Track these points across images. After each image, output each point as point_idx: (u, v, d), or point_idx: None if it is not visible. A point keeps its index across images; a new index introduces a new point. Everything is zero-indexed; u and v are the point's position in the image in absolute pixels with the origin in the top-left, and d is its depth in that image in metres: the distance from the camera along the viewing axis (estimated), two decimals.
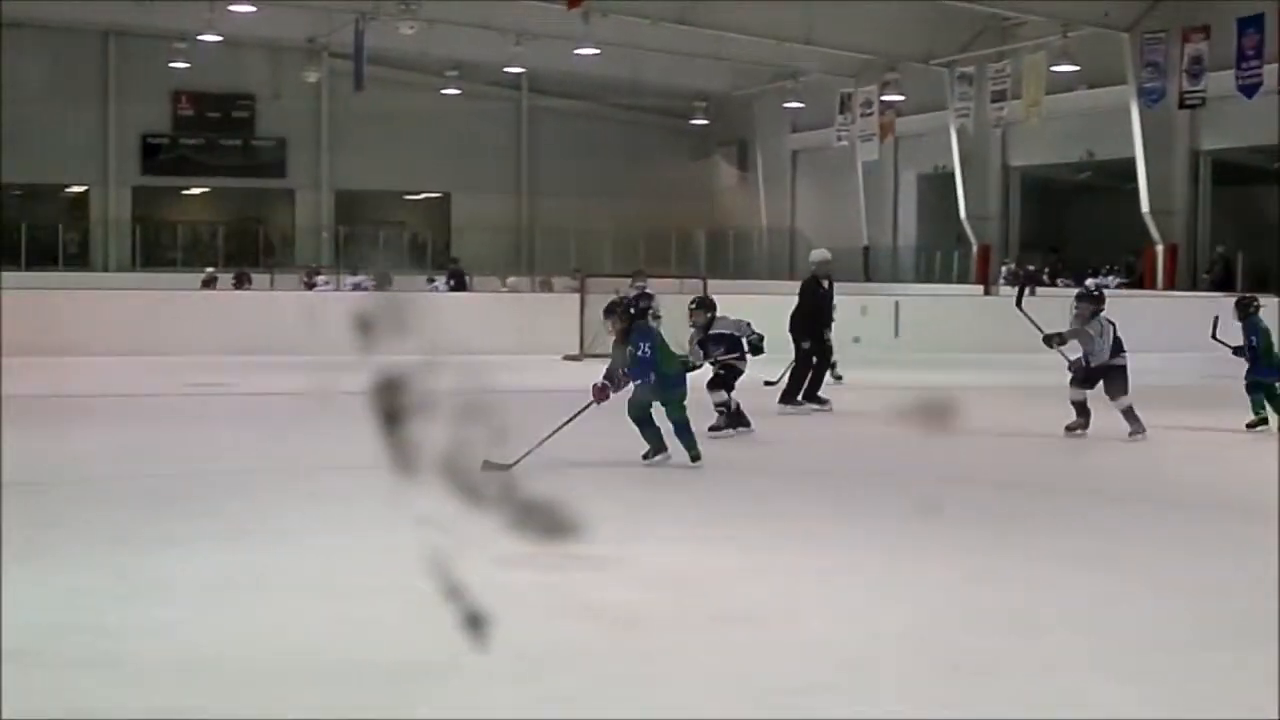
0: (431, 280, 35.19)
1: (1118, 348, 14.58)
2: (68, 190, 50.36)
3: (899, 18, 39.88)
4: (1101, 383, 14.56)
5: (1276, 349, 15.51)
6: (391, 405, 2.64)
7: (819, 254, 18.77)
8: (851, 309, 23.88)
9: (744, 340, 14.53)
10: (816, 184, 49.53)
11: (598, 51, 39.98)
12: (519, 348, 24.13)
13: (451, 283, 33.70)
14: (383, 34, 40.48)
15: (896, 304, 24.83)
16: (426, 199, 53.50)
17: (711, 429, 14.07)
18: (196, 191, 51.91)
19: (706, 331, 14.51)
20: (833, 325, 17.86)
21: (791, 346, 17.59)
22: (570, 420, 12.23)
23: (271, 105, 49.72)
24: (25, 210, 49.16)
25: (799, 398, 17.13)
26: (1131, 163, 35.88)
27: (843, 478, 12.30)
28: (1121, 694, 6.13)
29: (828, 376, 19.81)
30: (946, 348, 24.57)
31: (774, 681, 6.21)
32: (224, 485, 11.20)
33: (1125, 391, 14.45)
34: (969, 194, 41.97)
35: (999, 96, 38.94)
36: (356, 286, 31.91)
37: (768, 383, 20.07)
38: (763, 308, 24.52)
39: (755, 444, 14.58)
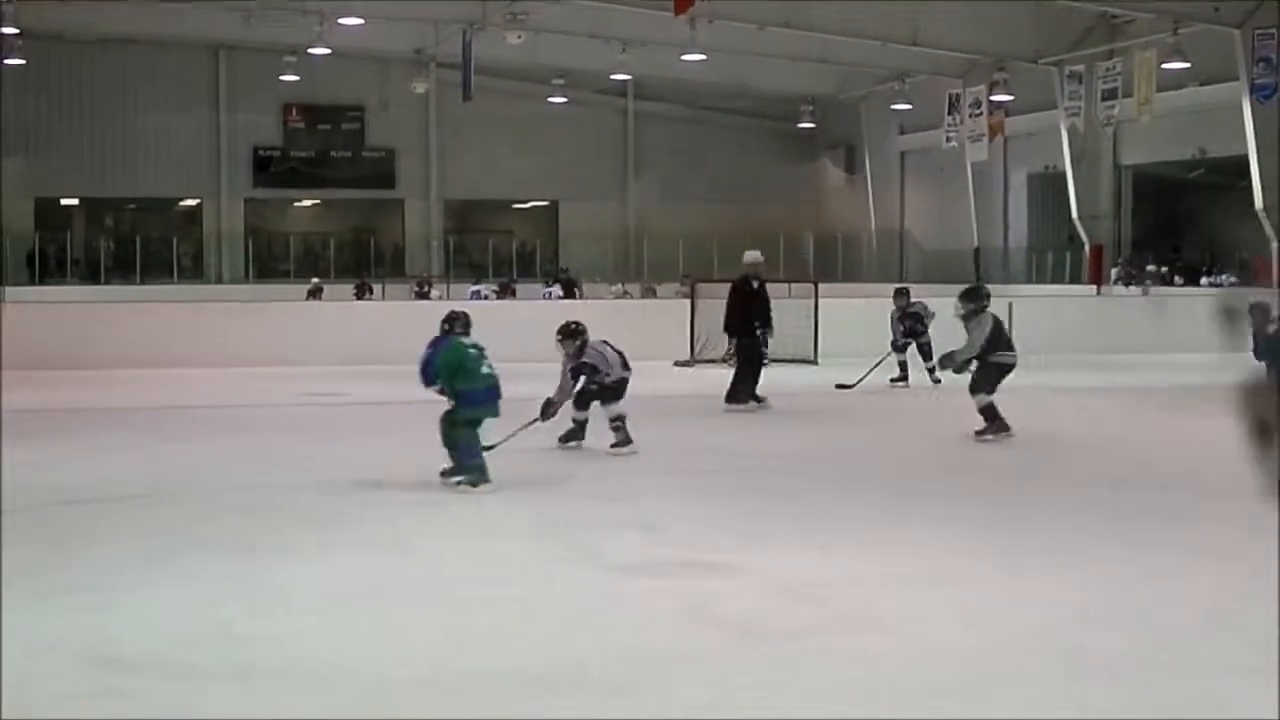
0: (548, 286, 35.57)
1: (1000, 344, 14.41)
2: (182, 204, 50.97)
3: (1007, 17, 39.58)
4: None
5: None
6: (1265, 414, 2.35)
7: (750, 255, 18.96)
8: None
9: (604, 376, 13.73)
10: (926, 185, 49.22)
11: (704, 57, 39.93)
12: (630, 354, 24.15)
13: (561, 291, 33.85)
14: (490, 44, 40.69)
15: (1010, 305, 24.48)
16: (534, 207, 53.68)
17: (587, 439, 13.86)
18: (308, 203, 52.44)
19: (579, 359, 13.68)
20: (771, 324, 18.25)
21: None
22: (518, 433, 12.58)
23: (380, 116, 50.11)
24: (140, 224, 49.90)
25: (744, 398, 17.54)
26: (1244, 159, 35.36)
27: (952, 481, 12.16)
28: (1257, 693, 6.05)
29: (927, 380, 19.74)
30: (1061, 348, 24.36)
31: (902, 687, 6.17)
32: (342, 495, 11.25)
33: (988, 391, 14.32)
34: (1080, 193, 41.52)
35: (1109, 94, 38.47)
36: (476, 295, 32.13)
37: (841, 385, 20.09)
38: (875, 309, 24.46)
39: (859, 446, 14.54)
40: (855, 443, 15.01)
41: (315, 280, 37.90)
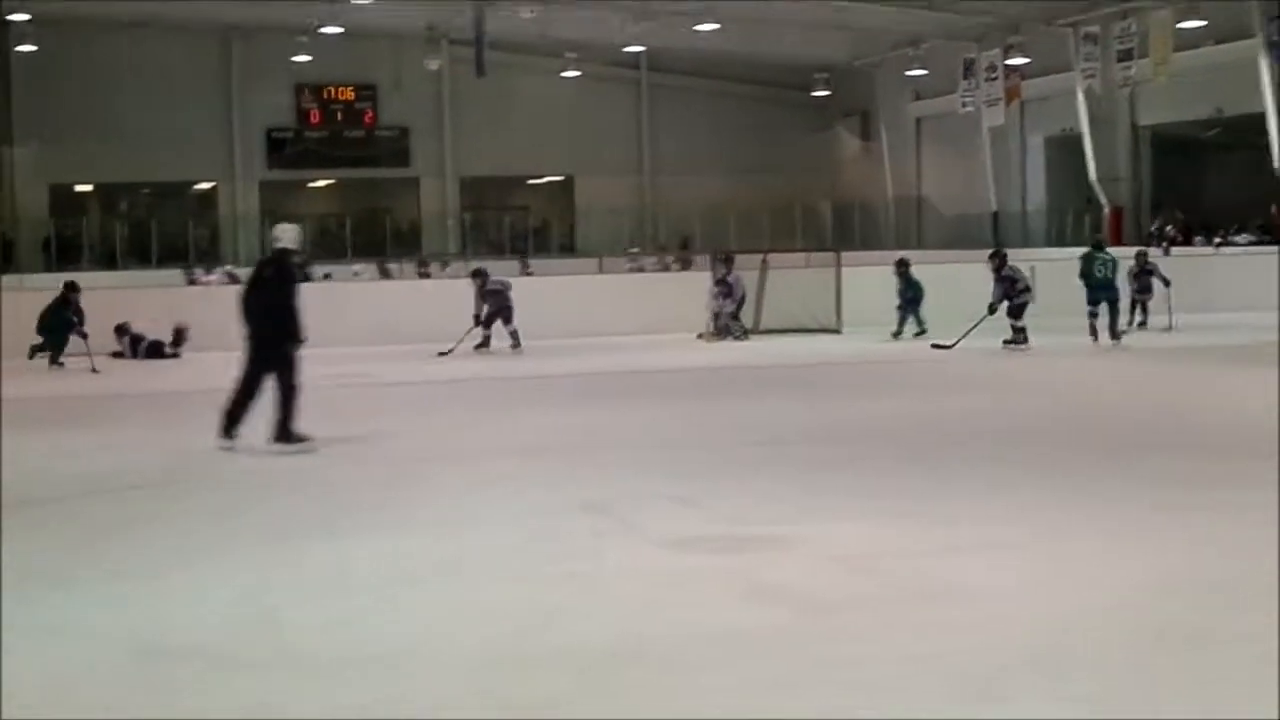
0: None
1: None
2: (196, 187, 50.85)
3: None
4: None
5: None
6: None
7: (279, 229, 14.16)
8: (986, 273, 23.71)
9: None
10: (942, 151, 48.94)
11: (718, 26, 39.76)
12: (651, 327, 24.10)
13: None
14: (502, 18, 40.51)
15: (1033, 269, 24.39)
16: (549, 182, 53.45)
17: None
18: (323, 184, 52.23)
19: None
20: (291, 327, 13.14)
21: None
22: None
23: (393, 95, 49.87)
24: (154, 209, 49.79)
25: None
26: (1262, 118, 35.12)
27: (999, 448, 12.01)
28: None
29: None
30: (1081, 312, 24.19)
31: (972, 663, 6.00)
32: (388, 474, 11.17)
33: None
34: (1098, 155, 41.27)
35: (1125, 55, 38.22)
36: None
37: (937, 345, 20.20)
38: (891, 279, 24.24)
39: (886, 416, 14.37)
40: (878, 412, 14.79)
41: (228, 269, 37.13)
